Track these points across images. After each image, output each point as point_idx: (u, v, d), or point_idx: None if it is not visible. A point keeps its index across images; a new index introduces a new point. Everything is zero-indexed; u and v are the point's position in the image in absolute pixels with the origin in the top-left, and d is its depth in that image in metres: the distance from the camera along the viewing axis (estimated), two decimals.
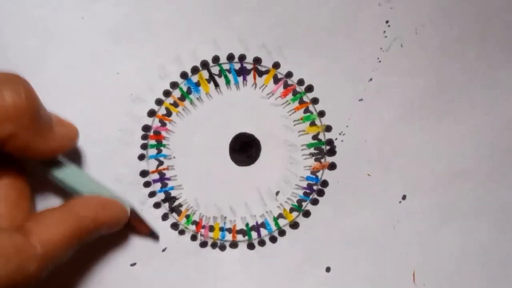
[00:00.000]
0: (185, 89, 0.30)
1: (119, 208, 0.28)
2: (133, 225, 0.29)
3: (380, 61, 0.31)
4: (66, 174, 0.27)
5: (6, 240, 0.22)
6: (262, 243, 0.32)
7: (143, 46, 0.29)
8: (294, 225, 0.32)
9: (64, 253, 0.24)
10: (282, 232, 0.32)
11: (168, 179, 0.30)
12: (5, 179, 0.25)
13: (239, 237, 0.32)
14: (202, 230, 0.31)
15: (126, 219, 0.28)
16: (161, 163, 0.30)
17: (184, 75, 0.30)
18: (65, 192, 0.27)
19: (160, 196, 0.31)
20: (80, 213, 0.25)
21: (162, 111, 0.30)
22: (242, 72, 0.30)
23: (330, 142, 0.31)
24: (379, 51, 0.31)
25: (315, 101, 0.31)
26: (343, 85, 0.31)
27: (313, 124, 0.31)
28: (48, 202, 0.28)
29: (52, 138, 0.24)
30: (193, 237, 0.31)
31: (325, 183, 0.32)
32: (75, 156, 0.29)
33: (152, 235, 0.30)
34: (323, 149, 0.32)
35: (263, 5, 0.29)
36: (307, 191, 0.32)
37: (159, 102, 0.30)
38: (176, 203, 0.31)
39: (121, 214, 0.28)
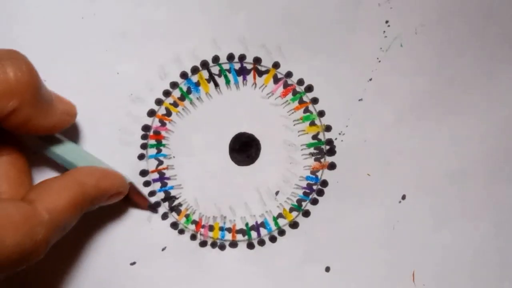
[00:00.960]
0: (185, 89, 0.30)
1: (119, 178, 0.28)
2: (132, 199, 0.30)
3: (380, 61, 0.31)
4: (64, 149, 0.27)
5: (12, 209, 0.22)
6: (261, 242, 0.32)
7: (143, 46, 0.29)
8: (294, 225, 0.32)
9: (69, 219, 0.24)
10: (281, 232, 0.32)
11: (168, 178, 0.31)
12: (4, 156, 0.25)
13: (239, 236, 0.32)
14: (202, 230, 0.31)
15: (126, 189, 0.28)
16: (160, 162, 0.30)
17: (184, 75, 0.30)
18: (63, 169, 0.27)
19: (160, 195, 0.31)
20: (82, 180, 0.25)
21: (162, 111, 0.30)
22: (242, 72, 0.30)
23: (329, 142, 0.31)
24: (379, 51, 0.30)
25: (315, 101, 0.31)
26: (343, 85, 0.31)
27: (312, 124, 0.31)
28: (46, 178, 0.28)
29: (52, 113, 0.25)
30: (193, 237, 0.31)
31: (324, 183, 0.32)
32: None
33: (150, 207, 0.30)
34: (323, 149, 0.32)
35: (263, 5, 0.29)
36: (307, 191, 0.32)
37: (159, 102, 0.30)
38: (176, 202, 0.31)
39: (121, 184, 0.28)
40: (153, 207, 0.31)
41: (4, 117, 0.22)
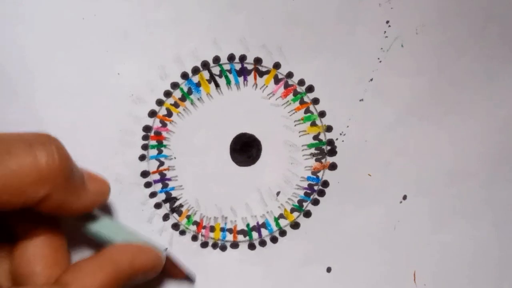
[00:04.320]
0: (185, 89, 0.30)
1: (154, 253, 0.27)
2: (168, 270, 0.29)
3: (380, 61, 0.31)
4: (100, 226, 0.26)
5: None
6: (263, 243, 0.32)
7: (144, 46, 0.29)
8: (295, 225, 0.32)
9: None
10: (283, 233, 0.32)
11: (169, 179, 0.30)
12: (41, 236, 0.25)
13: (240, 237, 0.32)
14: (203, 231, 0.31)
15: (162, 264, 0.28)
16: (161, 163, 0.30)
17: (184, 76, 0.30)
18: (99, 245, 0.27)
19: (161, 196, 0.31)
20: (116, 259, 0.25)
21: (162, 111, 0.30)
22: (243, 72, 0.30)
23: (330, 142, 0.31)
24: (379, 51, 0.31)
25: (315, 101, 0.31)
26: (344, 85, 0.31)
27: (313, 124, 0.31)
28: (83, 255, 0.28)
29: (85, 195, 0.24)
30: (194, 238, 0.31)
31: (325, 183, 0.32)
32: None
33: (187, 278, 0.30)
34: (324, 149, 0.32)
35: (264, 5, 0.29)
36: (308, 191, 0.32)
37: (159, 102, 0.30)
38: (177, 203, 0.31)
39: (157, 259, 0.27)
40: (191, 279, 0.30)
41: (36, 203, 0.22)
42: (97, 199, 0.25)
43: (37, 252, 0.24)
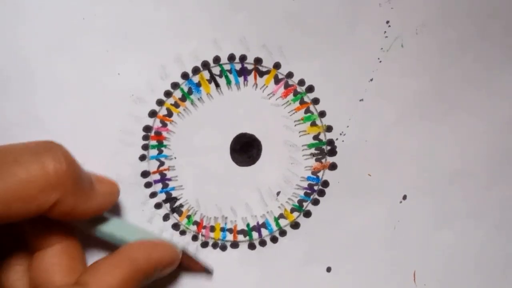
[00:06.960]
0: (186, 89, 0.30)
1: (170, 248, 0.28)
2: (185, 265, 0.30)
3: (380, 61, 0.31)
4: (111, 227, 0.27)
5: None
6: (263, 243, 0.32)
7: (144, 46, 0.29)
8: (295, 225, 0.32)
9: None
10: (283, 232, 0.32)
11: (169, 179, 0.30)
12: (56, 245, 0.25)
13: (240, 237, 0.32)
14: (203, 231, 0.31)
15: (178, 258, 0.28)
16: (162, 163, 0.30)
17: (185, 76, 0.30)
18: (113, 246, 0.27)
19: (161, 196, 0.31)
20: (133, 256, 0.25)
21: (163, 111, 0.30)
22: (243, 72, 0.30)
23: (330, 142, 0.31)
24: (379, 51, 0.31)
25: (315, 101, 0.31)
26: (344, 85, 0.31)
27: (313, 124, 0.31)
28: (98, 258, 0.28)
29: (95, 197, 0.25)
30: (194, 238, 0.31)
31: (325, 183, 0.32)
32: None
33: (205, 270, 0.31)
34: (324, 149, 0.32)
35: (264, 5, 0.29)
36: (308, 191, 0.32)
37: (160, 102, 0.30)
38: (177, 203, 0.31)
39: (173, 254, 0.28)
40: (209, 271, 0.31)
41: (48, 209, 0.22)
42: (106, 200, 0.25)
43: (54, 261, 0.25)
